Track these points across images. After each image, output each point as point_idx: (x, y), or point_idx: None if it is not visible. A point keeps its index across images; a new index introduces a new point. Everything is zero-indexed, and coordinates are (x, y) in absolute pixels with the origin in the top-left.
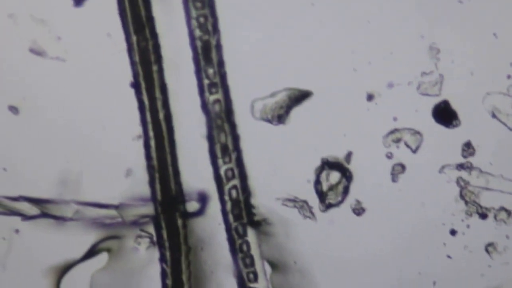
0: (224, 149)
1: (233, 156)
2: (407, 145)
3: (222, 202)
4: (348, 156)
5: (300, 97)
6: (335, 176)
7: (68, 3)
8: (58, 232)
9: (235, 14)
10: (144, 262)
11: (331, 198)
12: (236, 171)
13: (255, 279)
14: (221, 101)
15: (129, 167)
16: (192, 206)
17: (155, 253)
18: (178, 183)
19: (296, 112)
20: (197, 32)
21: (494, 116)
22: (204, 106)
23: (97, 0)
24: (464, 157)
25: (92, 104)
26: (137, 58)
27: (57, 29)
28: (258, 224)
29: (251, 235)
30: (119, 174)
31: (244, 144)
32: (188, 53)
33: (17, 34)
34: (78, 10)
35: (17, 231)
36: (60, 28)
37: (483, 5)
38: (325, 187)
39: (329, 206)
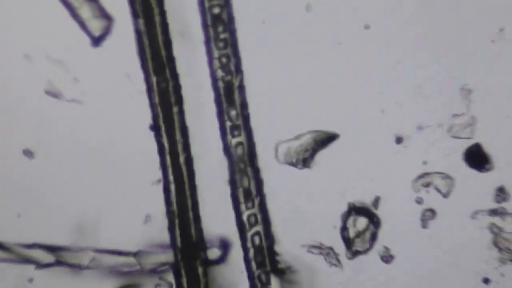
0: (247, 194)
1: (256, 201)
2: (438, 190)
3: (245, 249)
4: (376, 201)
5: (326, 139)
6: (362, 222)
7: (86, 42)
8: (74, 281)
9: (259, 54)
10: None
11: (358, 245)
12: (259, 217)
13: None
14: (244, 144)
15: (148, 213)
16: (214, 253)
17: None
18: (199, 229)
19: (322, 155)
20: (219, 73)
21: None
22: (226, 149)
23: (116, 39)
24: (497, 202)
25: (109, 147)
26: (157, 100)
27: (74, 70)
28: (282, 272)
29: (274, 284)
30: (137, 220)
31: (267, 189)
32: (210, 94)
33: (33, 75)
34: (96, 50)
35: (30, 280)
36: (77, 69)
37: None
38: (352, 233)
39: (356, 253)
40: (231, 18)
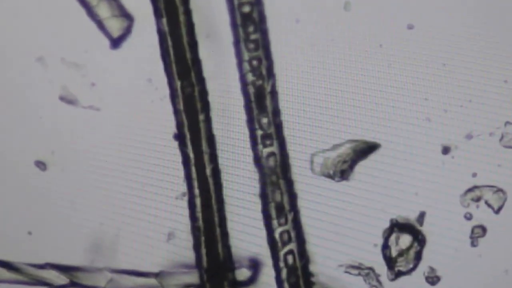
0: (280, 209)
1: (290, 217)
2: (489, 205)
3: (277, 269)
4: (421, 217)
5: (366, 150)
6: (405, 239)
7: (104, 44)
8: None
9: (293, 56)
10: None
11: (401, 265)
12: (292, 234)
13: None
14: (276, 154)
15: (171, 230)
16: (243, 273)
17: None
18: (227, 248)
19: (361, 167)
20: (250, 77)
21: None
22: (257, 160)
23: (137, 40)
24: None
25: (129, 158)
26: (181, 106)
27: (91, 73)
28: None
29: None
30: (159, 237)
31: (302, 204)
32: (239, 101)
33: (46, 80)
34: (115, 52)
35: None
36: (94, 73)
37: None
38: (394, 252)
39: (399, 274)
40: (262, 17)
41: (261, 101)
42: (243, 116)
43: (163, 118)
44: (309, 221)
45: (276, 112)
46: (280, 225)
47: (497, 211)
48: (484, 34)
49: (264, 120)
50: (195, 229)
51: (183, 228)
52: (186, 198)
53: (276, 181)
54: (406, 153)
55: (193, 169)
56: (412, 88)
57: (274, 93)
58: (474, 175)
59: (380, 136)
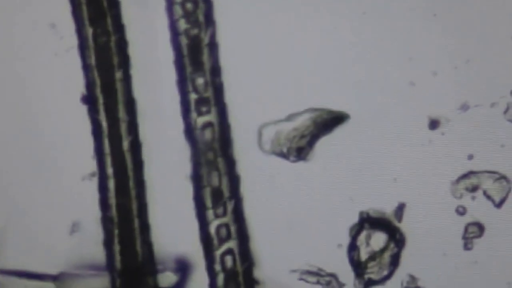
0: (217, 196)
1: (230, 206)
2: (488, 196)
3: (211, 273)
4: (399, 210)
5: (330, 122)
6: (379, 239)
7: None
8: None
9: None
10: None
11: (373, 272)
12: (232, 229)
13: None
14: (214, 125)
15: (76, 220)
16: (167, 278)
17: None
18: (147, 245)
19: (324, 143)
20: (182, 24)
21: None
22: (189, 132)
23: None
24: None
25: (21, 127)
26: (92, 60)
27: None
28: None
29: None
30: (60, 229)
31: (246, 189)
32: (167, 55)
33: None
34: None
35: None
36: None
37: None
38: (364, 255)
39: (369, 283)
40: None
41: (196, 55)
42: (172, 75)
43: (69, 75)
44: (254, 212)
45: (216, 71)
46: (217, 216)
47: (498, 205)
48: None
49: (200, 81)
50: (106, 220)
51: (91, 218)
52: (95, 179)
53: (213, 159)
54: (382, 127)
55: (106, 142)
56: (392, 43)
57: (213, 46)
58: (470, 157)
59: (349, 105)
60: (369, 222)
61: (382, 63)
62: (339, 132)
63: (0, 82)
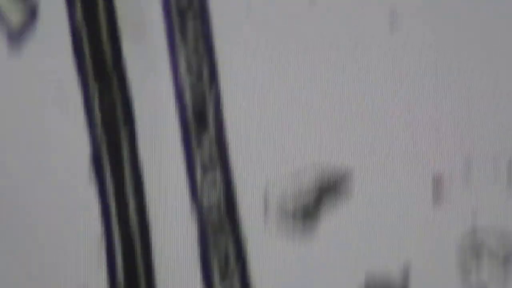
0: (224, 266)
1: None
2: (492, 254)
3: None
4: (405, 272)
5: (334, 179)
6: None
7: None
8: None
9: (244, 54)
10: None
11: None
12: None
13: None
14: (219, 185)
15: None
16: None
17: None
18: None
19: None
20: (187, 80)
21: None
22: (194, 191)
23: (42, 35)
24: None
25: (29, 184)
26: (98, 119)
27: None
28: None
29: None
30: None
31: (252, 258)
32: (172, 113)
33: None
34: (13, 50)
35: None
36: None
37: None
38: None
39: None
40: (203, 3)
41: (201, 113)
42: (177, 133)
43: (74, 134)
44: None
45: (221, 129)
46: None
47: (504, 263)
48: None
49: (205, 139)
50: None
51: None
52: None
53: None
54: (388, 186)
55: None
56: (395, 98)
57: (218, 103)
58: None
59: (354, 161)
60: None
61: (386, 115)
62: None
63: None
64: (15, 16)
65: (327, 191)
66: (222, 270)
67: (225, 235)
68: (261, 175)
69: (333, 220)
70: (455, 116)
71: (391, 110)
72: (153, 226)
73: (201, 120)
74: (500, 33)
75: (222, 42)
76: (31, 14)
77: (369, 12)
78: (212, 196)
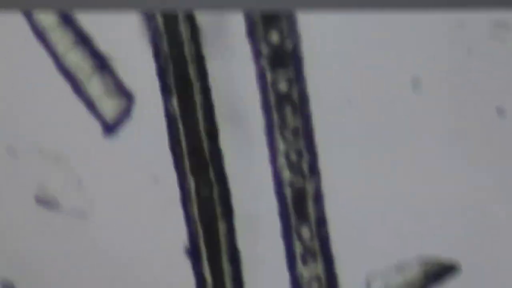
0: None
1: None
2: None
3: None
4: None
5: (441, 272)
6: None
7: (95, 130)
8: None
9: (343, 148)
10: None
11: None
12: None
13: None
14: (321, 278)
15: None
16: None
17: None
18: None
19: None
20: (287, 175)
21: None
22: (296, 284)
23: (138, 126)
24: None
25: (127, 278)
26: (195, 212)
27: (77, 168)
28: None
29: None
30: None
31: None
32: (272, 206)
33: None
34: (109, 141)
35: None
36: (81, 168)
37: None
38: None
39: None
40: (304, 97)
41: (301, 206)
42: (277, 226)
43: (171, 228)
44: None
45: (321, 221)
46: None
47: None
48: None
49: (305, 232)
50: None
51: None
52: None
53: None
54: (494, 280)
55: None
56: (503, 187)
57: (318, 197)
58: None
59: (460, 254)
60: None
61: (495, 211)
62: (450, 284)
63: (98, 234)
64: (110, 111)
65: (432, 284)
66: None
67: None
68: (363, 267)
69: None
70: None
71: (499, 202)
72: None
73: (301, 212)
74: None
75: (324, 134)
76: (126, 110)
77: (475, 101)
78: (314, 287)
